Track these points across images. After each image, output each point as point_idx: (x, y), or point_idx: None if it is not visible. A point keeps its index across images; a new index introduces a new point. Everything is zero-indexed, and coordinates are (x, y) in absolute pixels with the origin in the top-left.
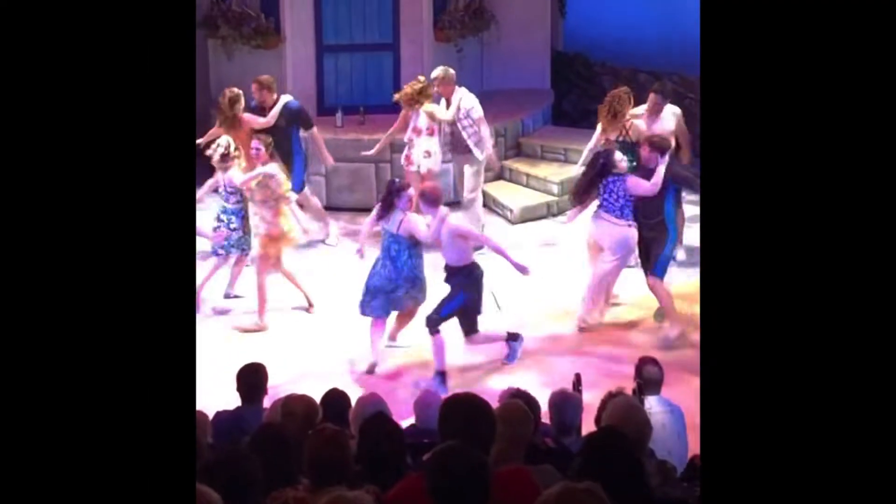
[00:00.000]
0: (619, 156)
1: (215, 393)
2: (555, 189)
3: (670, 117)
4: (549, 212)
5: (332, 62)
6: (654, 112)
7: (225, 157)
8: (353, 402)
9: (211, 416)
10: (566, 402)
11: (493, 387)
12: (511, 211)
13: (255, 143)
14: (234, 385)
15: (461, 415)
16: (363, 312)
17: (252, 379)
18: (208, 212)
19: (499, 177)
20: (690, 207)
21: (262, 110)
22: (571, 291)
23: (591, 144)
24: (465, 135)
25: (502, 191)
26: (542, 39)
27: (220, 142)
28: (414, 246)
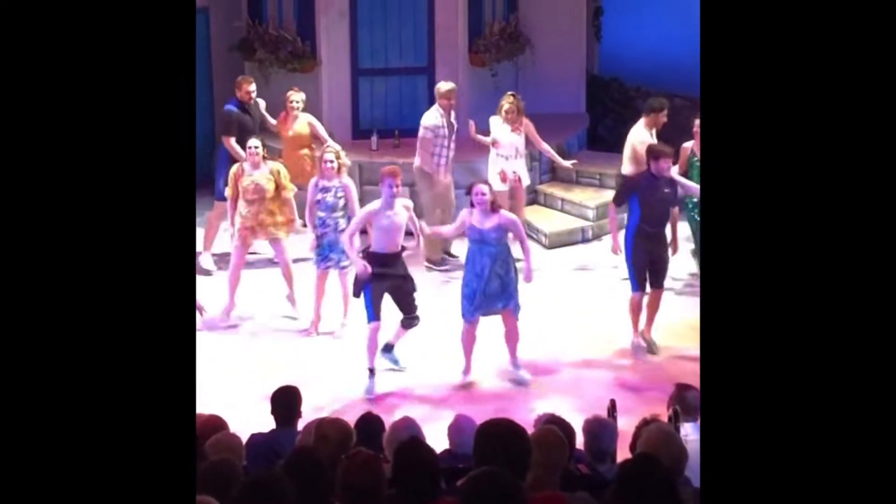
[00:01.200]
0: None
1: (251, 415)
2: (590, 214)
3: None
4: (584, 237)
5: (367, 86)
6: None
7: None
8: (388, 427)
9: (245, 439)
10: (601, 429)
11: (528, 412)
12: (545, 235)
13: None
14: (269, 408)
15: (497, 440)
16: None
17: (286, 402)
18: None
19: (534, 201)
20: None
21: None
22: (606, 317)
23: None
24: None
25: (537, 215)
26: (578, 63)
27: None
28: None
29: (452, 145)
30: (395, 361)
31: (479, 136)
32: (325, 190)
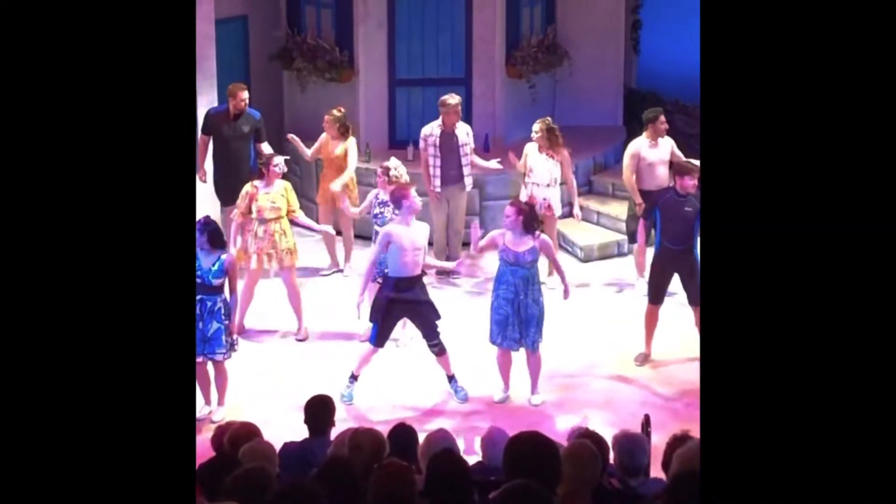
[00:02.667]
0: None
1: (284, 424)
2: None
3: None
4: (619, 250)
5: (404, 96)
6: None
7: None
8: (422, 438)
9: (278, 447)
10: (634, 444)
11: (561, 426)
12: (580, 248)
13: (277, 159)
14: (303, 417)
15: (527, 453)
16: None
17: (319, 411)
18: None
19: (569, 214)
20: None
21: (231, 114)
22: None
23: None
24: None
25: (572, 228)
26: (615, 76)
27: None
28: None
29: (463, 160)
30: (457, 391)
31: (512, 158)
32: (384, 204)
